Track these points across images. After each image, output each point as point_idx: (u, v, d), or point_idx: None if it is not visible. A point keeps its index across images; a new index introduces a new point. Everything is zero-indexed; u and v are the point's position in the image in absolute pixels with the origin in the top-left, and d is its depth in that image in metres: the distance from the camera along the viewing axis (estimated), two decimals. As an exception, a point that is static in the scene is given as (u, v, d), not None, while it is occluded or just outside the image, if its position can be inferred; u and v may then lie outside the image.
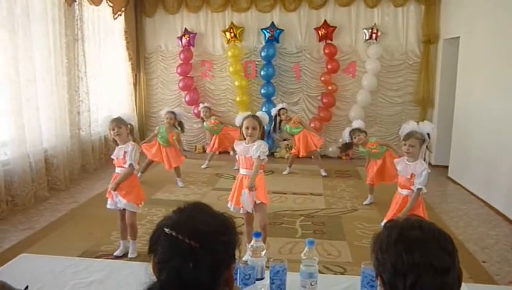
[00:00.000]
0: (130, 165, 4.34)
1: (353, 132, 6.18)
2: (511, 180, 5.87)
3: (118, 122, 4.36)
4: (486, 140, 6.70)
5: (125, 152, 4.35)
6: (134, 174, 4.49)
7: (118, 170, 4.44)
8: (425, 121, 4.53)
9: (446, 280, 1.26)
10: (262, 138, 4.27)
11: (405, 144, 4.10)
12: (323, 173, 8.00)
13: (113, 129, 4.31)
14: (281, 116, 7.93)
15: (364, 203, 6.36)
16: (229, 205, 4.40)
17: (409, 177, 4.07)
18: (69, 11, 7.14)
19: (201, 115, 8.50)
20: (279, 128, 8.11)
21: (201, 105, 8.71)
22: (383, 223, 4.36)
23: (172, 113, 7.21)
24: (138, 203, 4.47)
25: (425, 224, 1.36)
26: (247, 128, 4.15)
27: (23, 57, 6.04)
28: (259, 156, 4.13)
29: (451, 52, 8.28)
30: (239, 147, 4.28)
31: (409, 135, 4.11)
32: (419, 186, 4.00)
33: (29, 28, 6.15)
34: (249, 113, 4.46)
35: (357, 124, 6.31)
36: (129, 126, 4.46)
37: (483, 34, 6.83)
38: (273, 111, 8.02)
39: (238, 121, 4.35)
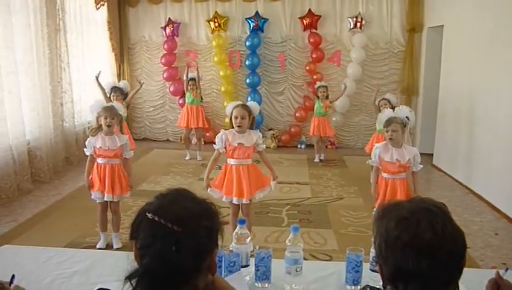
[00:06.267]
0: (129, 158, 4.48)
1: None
2: (494, 167, 5.93)
3: (112, 113, 4.28)
4: (471, 128, 6.76)
5: (121, 145, 4.32)
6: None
7: (102, 160, 4.32)
8: (401, 106, 4.56)
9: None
10: (251, 128, 4.23)
11: (387, 130, 4.09)
12: (321, 157, 8.36)
13: (106, 118, 4.23)
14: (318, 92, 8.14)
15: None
16: (218, 195, 4.28)
17: (405, 162, 4.06)
18: (51, 0, 7.00)
19: (189, 88, 8.12)
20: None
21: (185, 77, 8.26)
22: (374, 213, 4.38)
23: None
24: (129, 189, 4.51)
25: (438, 224, 1.22)
26: (236, 117, 4.07)
27: (4, 48, 5.93)
28: (263, 149, 4.23)
29: (435, 40, 8.32)
30: (231, 136, 4.13)
31: (390, 121, 4.12)
32: (420, 167, 4.11)
33: (9, 18, 6.03)
34: (240, 102, 4.33)
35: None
36: (118, 118, 4.39)
37: (467, 23, 6.86)
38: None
39: (228, 109, 4.23)
